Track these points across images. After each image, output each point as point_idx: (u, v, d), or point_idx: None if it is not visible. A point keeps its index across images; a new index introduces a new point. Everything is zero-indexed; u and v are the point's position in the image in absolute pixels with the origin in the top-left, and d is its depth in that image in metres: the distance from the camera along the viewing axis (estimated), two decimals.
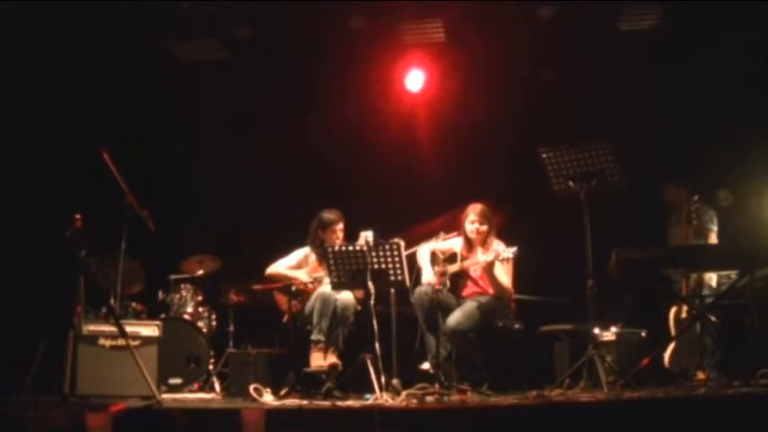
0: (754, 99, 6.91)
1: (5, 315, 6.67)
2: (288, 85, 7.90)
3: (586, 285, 5.46)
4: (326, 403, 5.03)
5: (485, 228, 6.02)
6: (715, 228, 6.43)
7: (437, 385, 5.28)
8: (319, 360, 5.79)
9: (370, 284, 5.43)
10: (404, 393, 5.15)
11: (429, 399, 5.15)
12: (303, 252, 6.40)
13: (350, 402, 5.04)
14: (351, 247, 5.51)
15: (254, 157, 7.92)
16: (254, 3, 6.88)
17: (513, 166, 7.39)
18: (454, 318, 5.77)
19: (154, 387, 5.21)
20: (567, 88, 7.55)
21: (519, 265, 5.93)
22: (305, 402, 5.17)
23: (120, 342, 5.43)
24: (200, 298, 7.14)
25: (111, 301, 6.16)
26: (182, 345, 6.64)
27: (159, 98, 7.73)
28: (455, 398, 5.19)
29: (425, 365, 5.88)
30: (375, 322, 5.36)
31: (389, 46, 7.50)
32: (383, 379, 5.28)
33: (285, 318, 6.21)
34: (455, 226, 6.13)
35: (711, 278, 6.22)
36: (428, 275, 5.98)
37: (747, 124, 6.90)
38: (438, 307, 5.76)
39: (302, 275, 6.27)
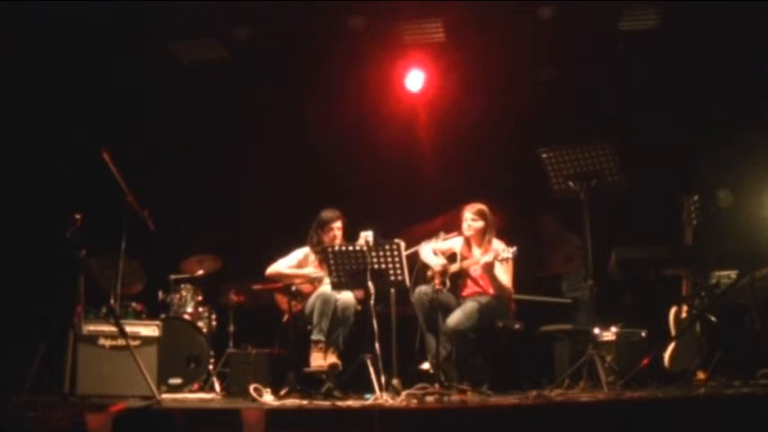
0: (754, 99, 6.91)
1: (5, 315, 6.67)
2: (288, 85, 7.90)
3: (586, 285, 5.46)
4: (326, 403, 5.03)
5: (478, 225, 6.02)
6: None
7: (437, 385, 5.28)
8: (319, 360, 5.79)
9: (370, 284, 5.43)
10: (404, 393, 5.15)
11: (429, 399, 5.15)
12: (303, 252, 6.40)
13: (350, 402, 5.05)
14: (351, 248, 5.51)
15: (253, 157, 7.93)
16: (254, 3, 6.88)
17: (513, 166, 7.40)
18: (454, 318, 5.77)
19: (154, 387, 5.21)
20: (567, 88, 7.55)
21: (518, 265, 5.93)
22: (305, 402, 5.17)
23: (120, 342, 5.43)
24: (200, 298, 7.13)
25: (111, 301, 6.16)
26: (182, 345, 6.64)
27: (159, 98, 7.73)
28: (455, 398, 5.19)
29: (425, 365, 5.88)
30: (375, 322, 5.36)
31: (389, 46, 7.50)
32: (383, 379, 5.28)
33: (285, 318, 6.21)
34: (455, 226, 6.13)
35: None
36: (436, 262, 5.98)
37: (747, 124, 6.90)
38: (438, 307, 5.76)
39: (307, 270, 6.28)
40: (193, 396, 6.36)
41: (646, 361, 5.58)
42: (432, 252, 6.10)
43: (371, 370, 5.34)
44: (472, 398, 5.26)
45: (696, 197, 6.03)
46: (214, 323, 7.13)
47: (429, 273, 6.05)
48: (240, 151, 7.98)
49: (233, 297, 7.13)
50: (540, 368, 6.50)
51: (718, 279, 5.90)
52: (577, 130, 6.87)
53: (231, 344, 6.96)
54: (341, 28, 7.23)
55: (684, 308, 6.08)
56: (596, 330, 5.65)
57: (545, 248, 7.62)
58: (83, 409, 4.51)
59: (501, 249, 5.62)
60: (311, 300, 6.01)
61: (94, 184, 6.30)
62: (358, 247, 5.48)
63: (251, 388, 5.44)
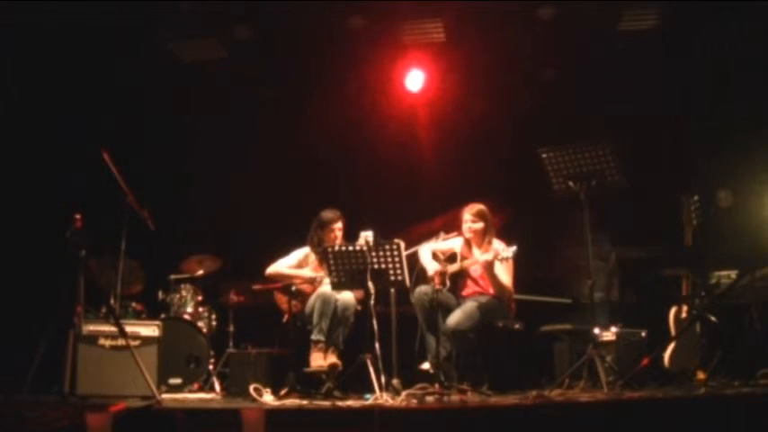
0: (754, 99, 6.92)
1: (6, 315, 6.67)
2: (288, 85, 7.90)
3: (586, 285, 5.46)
4: (326, 403, 5.03)
5: (478, 226, 6.01)
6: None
7: (437, 385, 5.28)
8: (319, 360, 5.78)
9: (370, 284, 5.43)
10: (404, 393, 5.15)
11: (429, 399, 5.15)
12: (303, 252, 6.40)
13: (350, 402, 5.04)
14: (351, 248, 5.51)
15: (253, 157, 7.93)
16: (254, 3, 6.88)
17: (513, 166, 7.40)
18: (454, 318, 5.76)
19: (154, 387, 5.21)
20: (567, 88, 7.55)
21: (518, 265, 5.93)
22: (305, 402, 5.17)
23: (120, 342, 5.43)
24: (200, 298, 7.14)
25: (111, 301, 6.16)
26: (182, 345, 6.64)
27: (159, 98, 7.73)
28: (455, 398, 5.19)
29: (425, 365, 5.87)
30: (375, 322, 5.36)
31: (389, 46, 7.50)
32: (383, 379, 5.28)
33: (285, 318, 6.21)
34: (455, 226, 6.13)
35: None
36: (433, 267, 5.98)
37: (747, 124, 6.91)
38: (438, 307, 5.76)
39: (306, 272, 6.28)
40: (193, 396, 6.36)
41: (646, 361, 5.58)
42: (431, 254, 6.10)
43: (371, 370, 5.34)
44: (472, 398, 5.26)
45: (696, 197, 6.03)
46: (214, 323, 7.13)
47: (429, 273, 6.05)
48: (240, 151, 7.98)
49: (233, 297, 7.13)
50: (540, 368, 6.50)
51: (718, 279, 5.91)
52: (577, 130, 6.87)
53: (231, 344, 6.97)
54: (341, 28, 7.23)
55: (684, 308, 6.09)
56: (596, 330, 5.65)
57: (570, 245, 7.48)
58: (83, 409, 4.51)
59: (501, 249, 5.62)
60: (311, 300, 6.01)
61: (94, 184, 6.30)
62: (358, 247, 5.48)
63: (251, 388, 5.45)
